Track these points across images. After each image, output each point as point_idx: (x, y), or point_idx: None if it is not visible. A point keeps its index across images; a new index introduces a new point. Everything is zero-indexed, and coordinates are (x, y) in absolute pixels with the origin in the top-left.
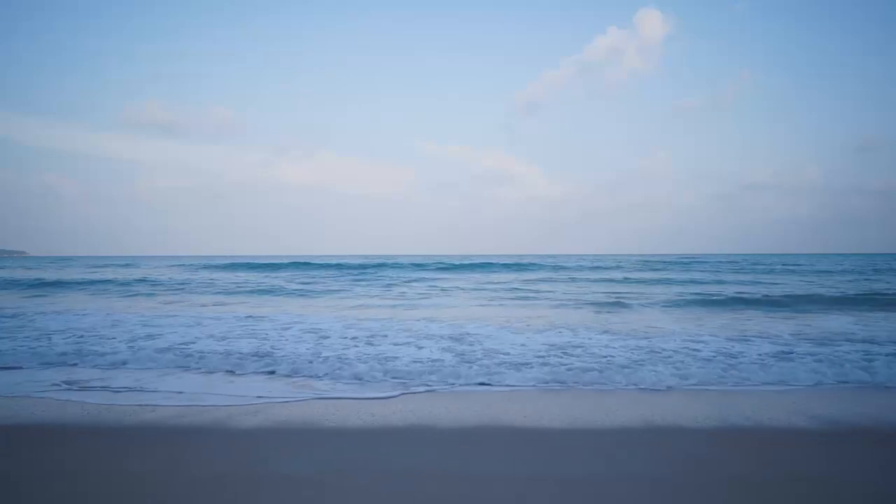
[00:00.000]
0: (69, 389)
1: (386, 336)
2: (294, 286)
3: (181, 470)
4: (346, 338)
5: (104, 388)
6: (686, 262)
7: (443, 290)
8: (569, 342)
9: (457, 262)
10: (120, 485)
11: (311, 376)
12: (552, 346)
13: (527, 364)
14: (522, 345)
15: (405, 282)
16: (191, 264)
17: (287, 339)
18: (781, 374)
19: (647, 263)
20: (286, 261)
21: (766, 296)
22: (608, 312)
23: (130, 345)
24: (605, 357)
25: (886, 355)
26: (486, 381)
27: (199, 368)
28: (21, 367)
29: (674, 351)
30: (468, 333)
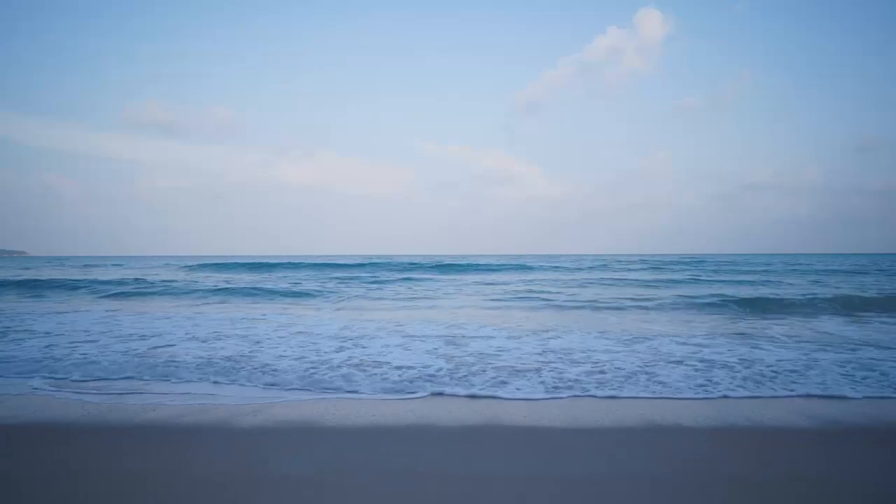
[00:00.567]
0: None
1: (375, 338)
2: (283, 286)
3: (181, 470)
4: (332, 338)
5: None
6: (688, 262)
7: (436, 290)
8: (566, 347)
9: (451, 263)
10: (120, 485)
11: (275, 385)
12: (550, 351)
13: (527, 371)
14: (518, 349)
15: (402, 281)
16: (185, 265)
17: (270, 343)
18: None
19: (647, 263)
20: (284, 260)
21: (774, 295)
22: (604, 315)
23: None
24: (609, 362)
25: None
26: (479, 394)
27: (143, 377)
28: None
29: (678, 361)
30: (464, 336)
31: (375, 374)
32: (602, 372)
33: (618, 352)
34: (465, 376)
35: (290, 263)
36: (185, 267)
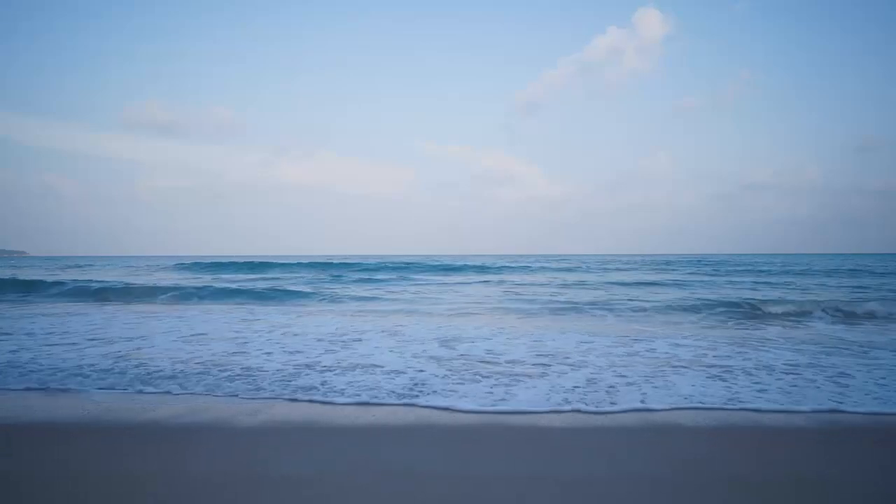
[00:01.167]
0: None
1: (366, 340)
2: (267, 286)
3: (181, 470)
4: (320, 340)
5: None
6: (687, 262)
7: (433, 290)
8: (561, 350)
9: (450, 263)
10: (120, 485)
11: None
12: (548, 355)
13: (525, 376)
14: (513, 351)
15: (398, 281)
16: (176, 263)
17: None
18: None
19: (647, 264)
20: (282, 260)
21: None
22: (602, 316)
23: None
24: (609, 367)
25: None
26: (474, 409)
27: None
28: None
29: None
30: (459, 339)
31: (362, 382)
32: (601, 380)
33: (617, 354)
34: (458, 383)
35: (281, 263)
36: (178, 266)
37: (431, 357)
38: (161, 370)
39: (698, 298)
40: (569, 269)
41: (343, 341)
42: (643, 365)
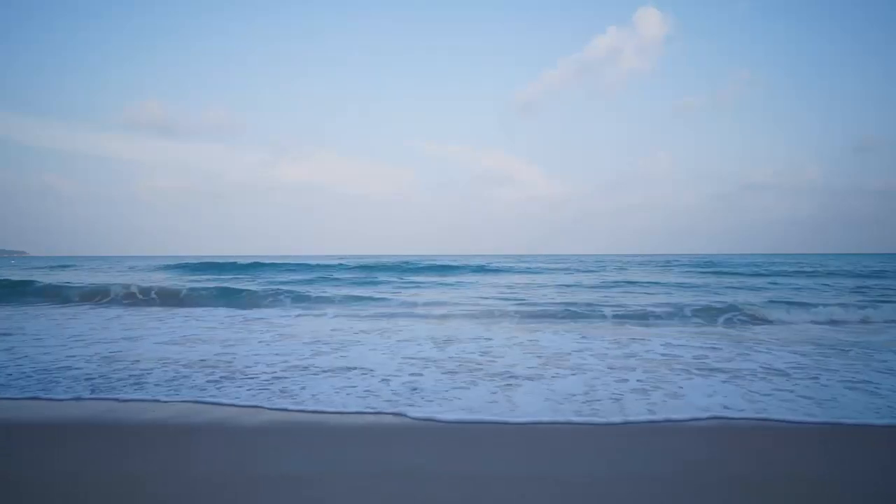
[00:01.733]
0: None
1: (352, 345)
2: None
3: (181, 470)
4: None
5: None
6: (692, 263)
7: (429, 290)
8: (560, 352)
9: (448, 264)
10: (120, 485)
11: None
12: (549, 361)
13: (523, 378)
14: (511, 354)
15: (395, 282)
16: (164, 264)
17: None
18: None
19: (646, 264)
20: (278, 261)
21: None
22: (599, 318)
23: None
24: (609, 372)
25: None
26: (468, 419)
27: None
28: None
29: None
30: (454, 341)
31: (354, 385)
32: (602, 387)
33: (614, 357)
34: (454, 388)
35: (272, 264)
36: (166, 266)
37: (426, 359)
38: None
39: (694, 301)
40: (568, 270)
41: (331, 344)
42: (642, 368)
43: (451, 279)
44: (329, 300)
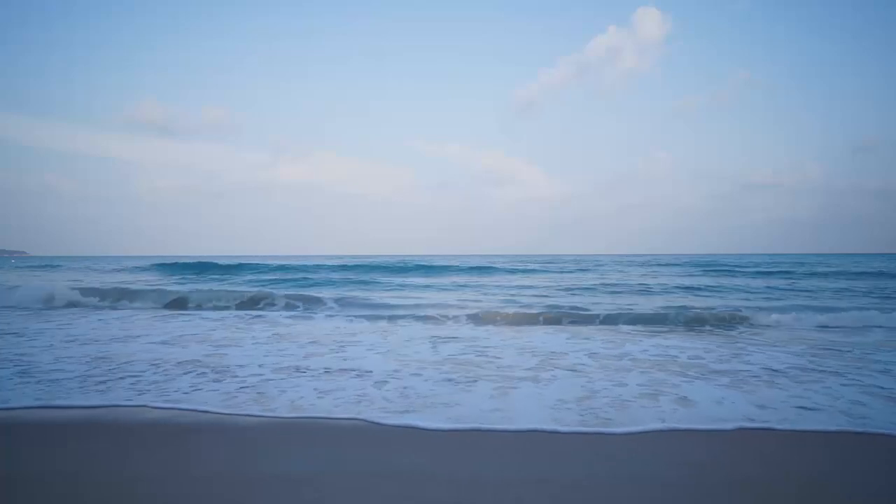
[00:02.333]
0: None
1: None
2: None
3: (181, 470)
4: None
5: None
6: (692, 264)
7: (423, 291)
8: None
9: (445, 264)
10: (120, 485)
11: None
12: (550, 365)
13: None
14: (507, 356)
15: (391, 283)
16: (151, 264)
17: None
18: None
19: (645, 264)
20: (277, 261)
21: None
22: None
23: None
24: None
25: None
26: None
27: None
28: None
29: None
30: (449, 342)
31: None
32: (601, 390)
33: (611, 358)
34: (450, 391)
35: (259, 264)
36: (160, 266)
37: (421, 362)
38: None
39: (690, 303)
40: (567, 271)
41: (328, 345)
42: (638, 371)
43: (450, 279)
44: (324, 301)
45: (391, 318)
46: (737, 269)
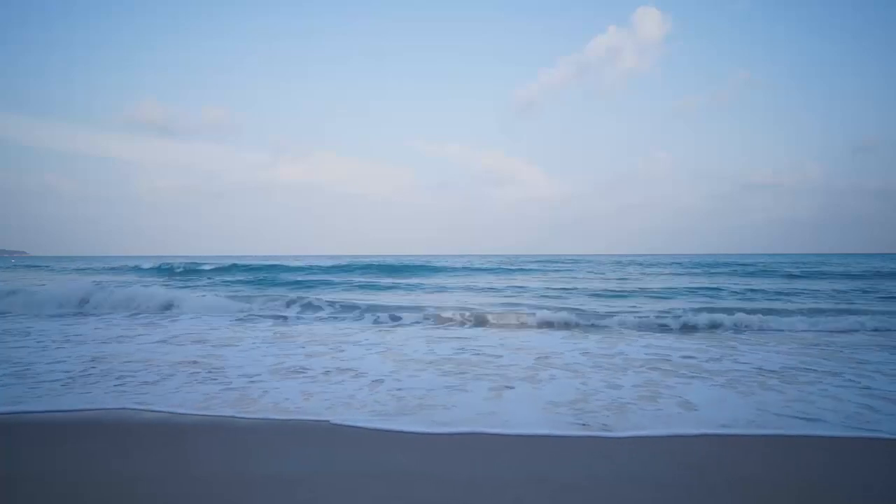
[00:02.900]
0: None
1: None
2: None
3: (179, 470)
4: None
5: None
6: (692, 264)
7: (419, 293)
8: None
9: (442, 265)
10: (119, 485)
11: None
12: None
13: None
14: (505, 358)
15: (386, 285)
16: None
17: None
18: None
19: (643, 265)
20: (280, 261)
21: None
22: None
23: None
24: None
25: None
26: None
27: None
28: None
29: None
30: (445, 342)
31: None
32: (599, 392)
33: (609, 360)
34: (446, 393)
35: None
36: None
37: (418, 362)
38: None
39: (687, 305)
40: (566, 271)
41: (328, 345)
42: (634, 372)
43: (449, 280)
44: (322, 302)
45: (390, 319)
46: (736, 269)
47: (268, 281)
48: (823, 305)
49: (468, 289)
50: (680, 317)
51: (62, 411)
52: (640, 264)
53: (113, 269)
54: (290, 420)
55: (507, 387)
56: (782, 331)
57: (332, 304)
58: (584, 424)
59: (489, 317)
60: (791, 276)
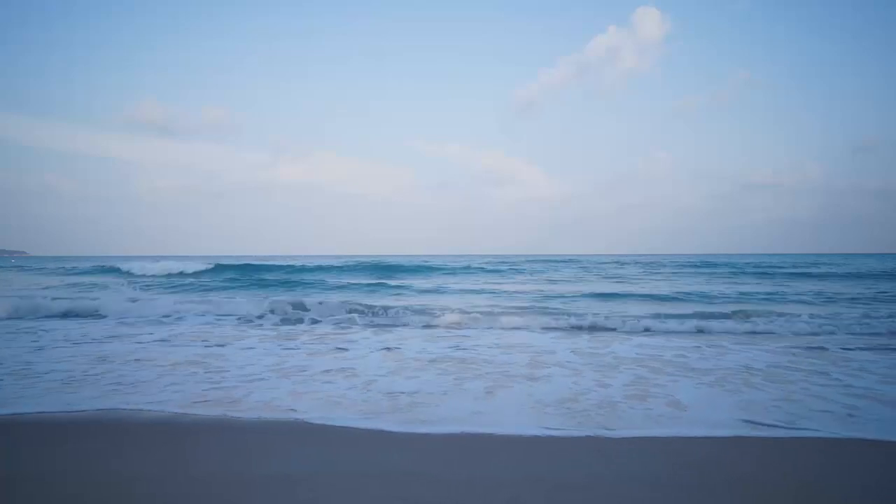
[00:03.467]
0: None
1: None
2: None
3: (179, 470)
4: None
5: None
6: (691, 265)
7: (416, 294)
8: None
9: (439, 265)
10: (118, 485)
11: None
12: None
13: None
14: (502, 359)
15: (381, 286)
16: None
17: None
18: None
19: (643, 265)
20: (279, 261)
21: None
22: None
23: None
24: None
25: None
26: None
27: None
28: None
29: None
30: (442, 342)
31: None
32: (594, 391)
33: (607, 361)
34: (442, 395)
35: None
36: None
37: (416, 361)
38: None
39: (687, 305)
40: (566, 271)
41: (327, 343)
42: (628, 371)
43: (449, 280)
44: (320, 303)
45: (390, 319)
46: (735, 268)
47: (267, 281)
48: (816, 310)
49: (467, 289)
50: (671, 318)
51: (62, 411)
52: (641, 264)
53: (101, 268)
54: (289, 420)
55: (504, 386)
56: (772, 333)
57: (331, 304)
58: (579, 423)
59: (488, 317)
60: (790, 276)
